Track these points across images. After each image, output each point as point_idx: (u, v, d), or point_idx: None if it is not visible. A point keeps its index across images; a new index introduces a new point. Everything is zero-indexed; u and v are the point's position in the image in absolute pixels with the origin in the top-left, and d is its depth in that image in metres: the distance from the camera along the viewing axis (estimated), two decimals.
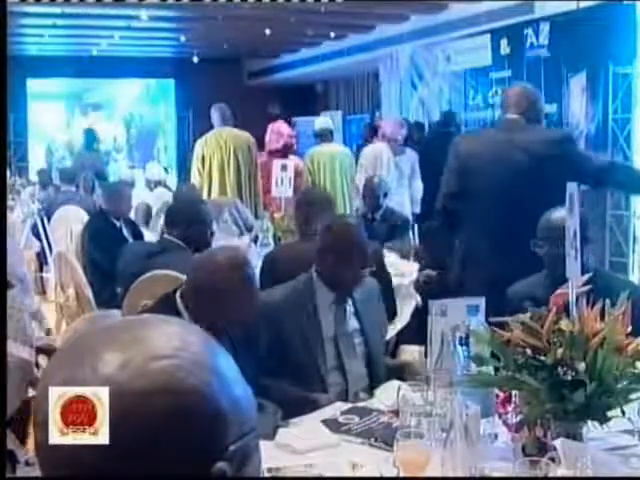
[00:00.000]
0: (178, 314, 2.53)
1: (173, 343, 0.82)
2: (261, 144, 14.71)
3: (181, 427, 0.79)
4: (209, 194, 6.77)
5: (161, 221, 6.98)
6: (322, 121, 8.24)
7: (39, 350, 1.89)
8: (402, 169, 7.53)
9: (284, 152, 7.17)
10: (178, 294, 2.63)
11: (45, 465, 0.82)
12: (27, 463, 1.29)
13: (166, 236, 4.33)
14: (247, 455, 0.84)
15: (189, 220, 4.11)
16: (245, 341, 2.64)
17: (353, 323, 3.00)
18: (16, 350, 1.67)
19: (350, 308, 3.01)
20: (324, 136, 7.53)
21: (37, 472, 0.82)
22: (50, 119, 15.80)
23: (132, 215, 6.82)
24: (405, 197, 7.43)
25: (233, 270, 2.57)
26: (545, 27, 7.74)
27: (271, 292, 3.07)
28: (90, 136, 11.06)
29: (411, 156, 7.66)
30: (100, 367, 0.79)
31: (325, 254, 2.97)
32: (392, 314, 3.98)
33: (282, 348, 2.85)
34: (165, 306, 2.59)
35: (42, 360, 1.92)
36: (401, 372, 3.00)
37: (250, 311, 2.62)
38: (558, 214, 2.87)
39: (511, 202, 3.66)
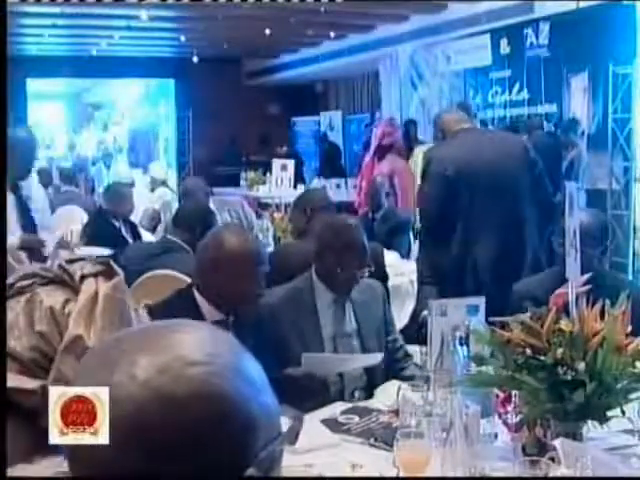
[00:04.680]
0: (196, 307, 2.56)
1: (207, 349, 0.83)
2: (263, 144, 14.65)
3: (216, 433, 0.79)
4: None
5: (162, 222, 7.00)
6: None
7: None
8: None
9: (383, 152, 7.26)
10: (194, 288, 2.66)
11: (79, 465, 0.82)
12: None
13: (168, 236, 4.34)
14: (274, 460, 0.85)
15: (196, 222, 4.12)
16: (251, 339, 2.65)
17: (352, 324, 3.00)
18: None
19: (349, 309, 3.01)
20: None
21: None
22: (50, 119, 15.81)
23: (137, 218, 6.80)
24: None
25: (238, 241, 2.65)
26: (545, 27, 7.74)
27: (271, 292, 3.07)
28: None
29: None
30: (137, 372, 0.79)
31: (324, 254, 2.97)
32: None
33: (282, 347, 2.84)
34: (182, 300, 2.60)
35: None
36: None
37: (256, 287, 2.66)
38: (582, 215, 3.01)
39: (504, 201, 3.96)
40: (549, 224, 3.93)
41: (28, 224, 4.34)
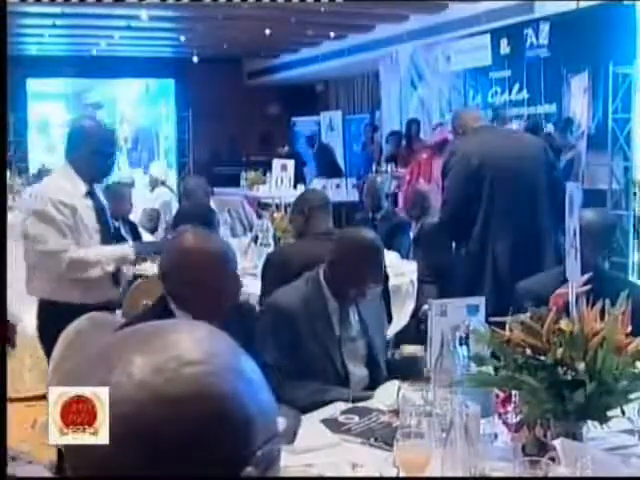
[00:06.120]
0: (172, 315, 2.38)
1: (204, 348, 0.82)
2: (263, 144, 14.61)
3: (213, 433, 0.79)
4: None
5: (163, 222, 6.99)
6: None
7: None
8: None
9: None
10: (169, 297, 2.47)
11: (75, 465, 0.82)
12: (13, 459, 1.30)
13: (169, 236, 4.35)
14: (272, 459, 0.85)
15: (197, 222, 4.11)
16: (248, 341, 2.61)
17: (356, 326, 2.98)
18: None
19: (354, 312, 2.98)
20: None
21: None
22: (50, 119, 15.78)
23: (137, 218, 6.80)
24: None
25: (201, 247, 2.40)
26: (545, 27, 7.75)
27: (284, 294, 2.99)
28: None
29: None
30: (134, 372, 0.79)
31: (337, 266, 2.88)
32: (388, 318, 3.98)
33: (300, 349, 2.80)
34: (159, 307, 2.51)
35: None
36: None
37: (233, 289, 2.45)
38: (587, 214, 3.05)
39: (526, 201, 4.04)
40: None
41: (107, 236, 3.59)
